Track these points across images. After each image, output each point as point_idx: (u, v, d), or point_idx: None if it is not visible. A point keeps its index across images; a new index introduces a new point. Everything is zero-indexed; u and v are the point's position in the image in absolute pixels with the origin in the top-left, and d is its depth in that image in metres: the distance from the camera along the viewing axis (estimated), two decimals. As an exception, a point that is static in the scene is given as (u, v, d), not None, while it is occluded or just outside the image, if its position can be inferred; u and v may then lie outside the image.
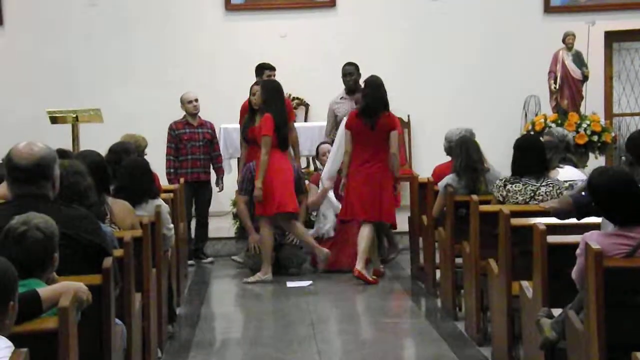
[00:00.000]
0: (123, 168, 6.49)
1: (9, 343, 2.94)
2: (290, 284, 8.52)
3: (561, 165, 6.89)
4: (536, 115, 11.47)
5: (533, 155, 6.42)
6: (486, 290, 6.19)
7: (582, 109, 11.27)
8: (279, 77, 9.50)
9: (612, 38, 12.28)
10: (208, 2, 12.06)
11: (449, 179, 7.34)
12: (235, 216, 9.81)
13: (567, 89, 11.20)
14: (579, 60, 11.18)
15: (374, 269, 8.63)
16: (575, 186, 6.37)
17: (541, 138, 7.19)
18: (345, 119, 8.82)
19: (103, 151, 6.44)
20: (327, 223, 9.18)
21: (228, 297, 8.54)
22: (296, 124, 9.84)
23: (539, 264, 4.80)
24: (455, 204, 7.08)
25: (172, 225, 6.80)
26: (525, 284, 5.12)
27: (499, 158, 7.83)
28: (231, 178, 10.07)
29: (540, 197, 6.27)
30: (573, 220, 5.15)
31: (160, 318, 6.11)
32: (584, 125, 10.99)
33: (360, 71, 9.70)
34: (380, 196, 8.44)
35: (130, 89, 11.73)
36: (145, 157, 7.58)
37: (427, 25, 12.02)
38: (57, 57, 11.80)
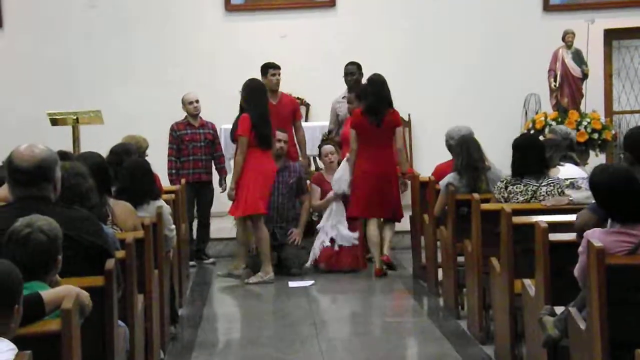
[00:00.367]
0: (124, 169, 6.49)
1: (13, 345, 2.95)
2: (292, 284, 8.52)
3: (562, 163, 6.89)
4: (536, 113, 11.46)
5: (532, 155, 6.42)
6: (488, 288, 6.19)
7: (582, 107, 11.26)
8: (278, 76, 9.55)
9: (611, 36, 12.27)
10: (208, 2, 12.05)
11: (450, 177, 7.34)
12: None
13: (567, 87, 11.19)
14: (578, 58, 11.18)
15: (385, 257, 8.73)
16: (575, 184, 6.38)
17: (542, 137, 7.20)
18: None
19: (104, 152, 6.44)
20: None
21: (230, 297, 8.54)
22: (296, 124, 9.86)
23: (541, 262, 4.80)
24: (457, 203, 7.09)
25: (173, 226, 6.79)
26: (527, 282, 5.12)
27: (499, 156, 7.82)
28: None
29: (542, 197, 6.27)
30: (574, 218, 5.14)
31: (163, 319, 6.11)
32: (585, 123, 10.98)
33: (362, 71, 9.72)
34: (390, 193, 8.61)
35: (130, 90, 11.72)
36: (146, 158, 7.58)
37: (427, 25, 12.01)
38: (57, 57, 11.79)
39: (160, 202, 6.57)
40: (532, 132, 10.77)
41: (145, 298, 5.37)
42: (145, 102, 11.58)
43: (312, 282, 8.60)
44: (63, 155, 5.45)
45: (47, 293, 3.45)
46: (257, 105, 8.55)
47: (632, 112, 12.53)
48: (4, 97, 11.76)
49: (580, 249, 4.21)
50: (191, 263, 9.52)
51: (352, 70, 9.79)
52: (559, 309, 4.53)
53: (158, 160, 8.57)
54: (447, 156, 7.91)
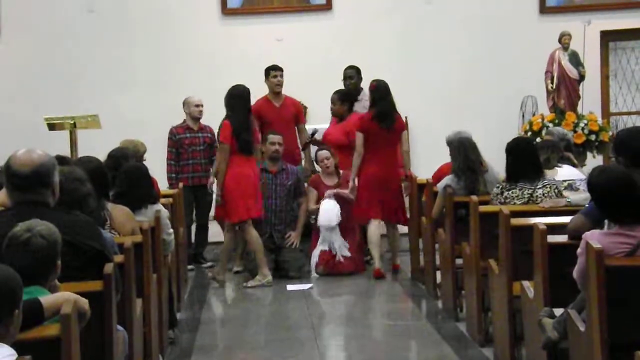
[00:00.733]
0: (122, 174, 6.48)
1: (12, 351, 2.94)
2: (290, 287, 8.51)
3: (560, 165, 6.90)
4: (533, 115, 11.48)
5: (525, 158, 6.42)
6: (487, 290, 6.19)
7: (579, 109, 11.28)
8: (278, 78, 9.58)
9: (608, 37, 12.30)
10: (204, 6, 12.07)
11: (448, 180, 7.35)
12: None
13: (564, 89, 11.20)
14: (575, 60, 11.19)
15: (393, 265, 8.95)
16: (573, 185, 6.38)
17: (539, 138, 7.20)
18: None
19: (102, 157, 6.43)
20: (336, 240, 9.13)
21: (228, 301, 8.54)
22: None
23: (540, 263, 4.80)
24: (455, 205, 7.09)
25: (172, 230, 6.79)
26: (526, 284, 5.12)
27: (497, 158, 7.81)
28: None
29: (539, 199, 6.28)
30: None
31: (161, 323, 6.10)
32: (582, 125, 10.99)
33: (361, 75, 9.75)
34: (395, 195, 8.81)
35: (127, 94, 11.72)
36: (144, 162, 7.58)
37: (423, 28, 12.03)
38: (54, 62, 11.79)
39: (159, 206, 6.56)
40: (529, 134, 10.78)
41: (144, 302, 5.36)
42: (142, 107, 11.59)
43: (310, 285, 8.60)
44: (61, 160, 5.44)
45: (46, 299, 3.44)
46: (238, 112, 8.55)
47: (629, 113, 12.56)
48: (2, 103, 11.75)
49: (579, 250, 4.21)
50: (189, 267, 9.52)
51: (351, 74, 9.80)
52: (558, 311, 4.53)
53: (156, 164, 8.56)
54: (445, 159, 7.90)
